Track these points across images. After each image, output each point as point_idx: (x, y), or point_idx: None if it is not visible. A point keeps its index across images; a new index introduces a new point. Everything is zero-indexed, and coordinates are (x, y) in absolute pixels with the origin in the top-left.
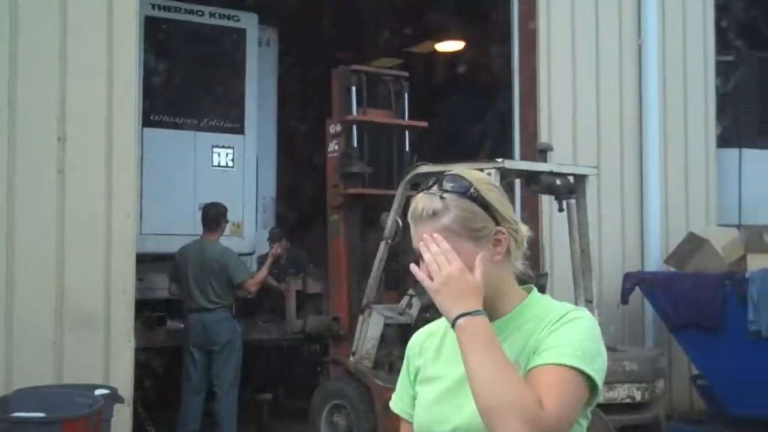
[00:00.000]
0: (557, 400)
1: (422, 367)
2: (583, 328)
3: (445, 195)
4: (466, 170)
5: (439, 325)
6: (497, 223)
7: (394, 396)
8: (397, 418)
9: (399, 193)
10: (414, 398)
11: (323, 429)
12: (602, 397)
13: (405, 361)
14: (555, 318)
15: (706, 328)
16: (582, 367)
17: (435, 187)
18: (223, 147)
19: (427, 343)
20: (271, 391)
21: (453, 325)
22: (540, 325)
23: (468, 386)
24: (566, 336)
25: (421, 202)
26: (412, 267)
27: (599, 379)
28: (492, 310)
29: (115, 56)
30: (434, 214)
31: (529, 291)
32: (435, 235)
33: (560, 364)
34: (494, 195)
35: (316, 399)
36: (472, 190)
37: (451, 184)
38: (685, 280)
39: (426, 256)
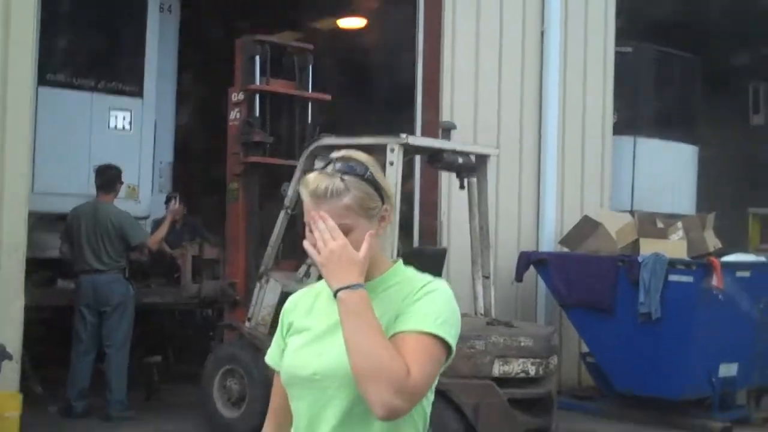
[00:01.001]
0: (421, 366)
1: (294, 322)
2: (442, 299)
3: (345, 177)
4: (356, 152)
5: (314, 287)
6: (383, 202)
7: (268, 351)
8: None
9: (301, 163)
10: (284, 350)
11: (216, 393)
12: (497, 370)
13: (280, 319)
14: (416, 288)
15: (597, 309)
16: (441, 334)
17: (330, 168)
18: (121, 110)
19: (301, 302)
20: (161, 354)
21: (335, 296)
22: (403, 292)
23: (330, 337)
24: (427, 306)
25: (323, 182)
26: (305, 243)
27: (454, 345)
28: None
29: (12, 12)
30: (337, 194)
31: (395, 262)
32: (322, 213)
33: (423, 332)
34: (381, 175)
35: (210, 363)
36: (368, 173)
37: (349, 166)
38: (580, 262)
39: (315, 233)
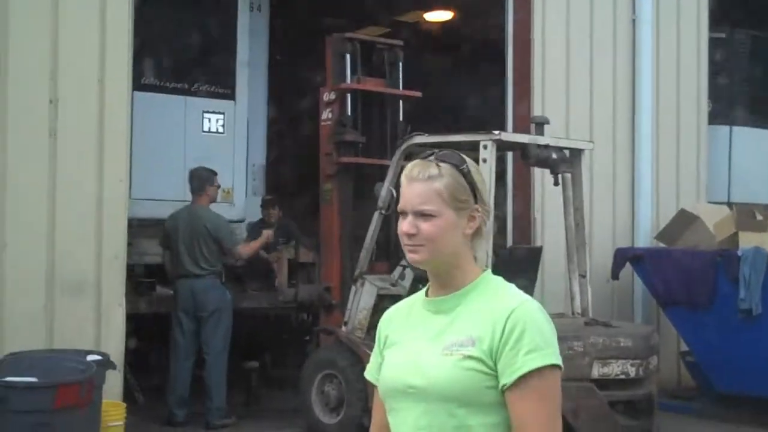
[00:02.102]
0: (555, 409)
1: (390, 335)
2: (539, 325)
3: (441, 164)
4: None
5: (408, 300)
6: (476, 202)
7: (368, 366)
8: (373, 387)
9: (394, 162)
10: (381, 364)
11: (314, 398)
12: (596, 372)
13: (377, 333)
14: (507, 311)
15: (696, 305)
16: (560, 362)
17: (432, 158)
18: (214, 112)
19: (396, 315)
20: (258, 360)
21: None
22: (491, 312)
23: (425, 351)
24: (533, 338)
25: (419, 165)
26: None
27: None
28: (451, 282)
29: (108, 18)
30: (429, 178)
31: (483, 271)
32: None
33: (541, 367)
34: (479, 178)
35: (307, 368)
36: (464, 166)
37: (446, 155)
38: (677, 257)
39: None
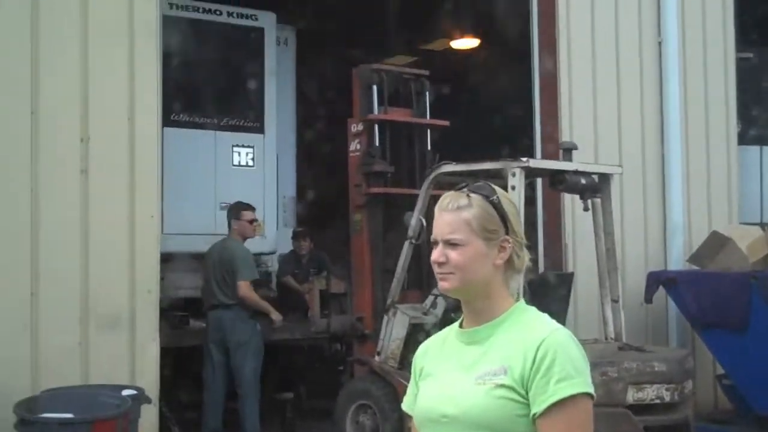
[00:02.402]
0: None
1: (425, 367)
2: (574, 351)
3: (471, 194)
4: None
5: (443, 333)
6: (506, 233)
7: (404, 398)
8: (410, 418)
9: (423, 192)
10: (416, 395)
11: (349, 429)
12: (631, 397)
13: (413, 365)
14: (536, 341)
15: (731, 328)
16: (591, 390)
17: (464, 189)
18: (243, 146)
19: (432, 347)
20: (293, 391)
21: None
22: (522, 342)
23: (458, 382)
24: (568, 365)
25: (449, 197)
26: None
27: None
28: (483, 312)
29: (136, 56)
30: (458, 208)
31: (516, 301)
32: None
33: (574, 395)
34: (511, 209)
35: (342, 399)
36: (495, 197)
37: (477, 187)
38: (711, 279)
39: None
